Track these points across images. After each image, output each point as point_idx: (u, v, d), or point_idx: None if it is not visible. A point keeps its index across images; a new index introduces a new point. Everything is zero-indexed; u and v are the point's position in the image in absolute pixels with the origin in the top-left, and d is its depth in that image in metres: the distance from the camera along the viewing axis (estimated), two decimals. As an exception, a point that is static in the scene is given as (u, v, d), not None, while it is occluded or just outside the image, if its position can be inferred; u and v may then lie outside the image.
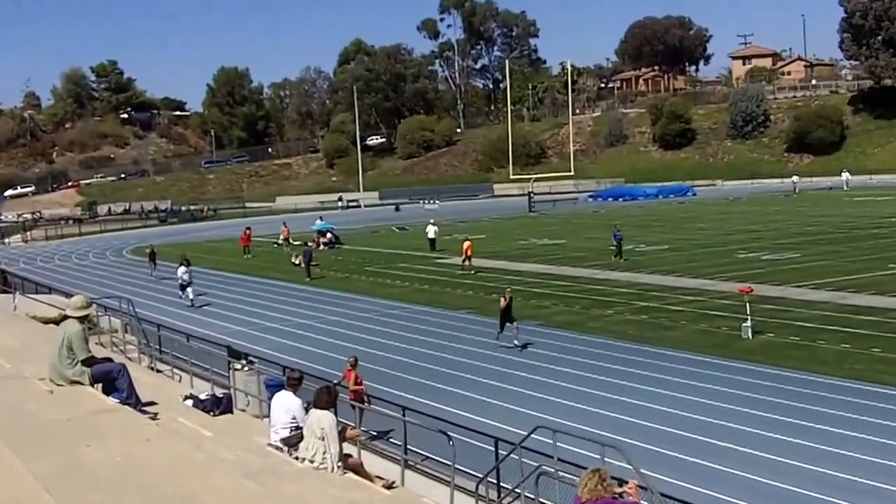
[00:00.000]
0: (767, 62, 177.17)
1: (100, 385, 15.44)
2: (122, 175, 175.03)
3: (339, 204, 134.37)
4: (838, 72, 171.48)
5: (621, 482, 11.38)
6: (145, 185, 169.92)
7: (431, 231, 65.97)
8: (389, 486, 14.96)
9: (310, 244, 64.78)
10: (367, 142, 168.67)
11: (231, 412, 19.01)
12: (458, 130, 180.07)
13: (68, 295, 29.04)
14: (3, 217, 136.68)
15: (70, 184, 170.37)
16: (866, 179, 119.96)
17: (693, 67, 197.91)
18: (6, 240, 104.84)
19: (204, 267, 60.03)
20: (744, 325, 32.45)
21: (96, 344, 23.73)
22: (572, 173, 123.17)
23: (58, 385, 15.42)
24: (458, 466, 16.90)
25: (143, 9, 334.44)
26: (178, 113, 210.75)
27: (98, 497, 10.54)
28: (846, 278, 43.27)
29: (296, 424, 14.45)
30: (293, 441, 14.17)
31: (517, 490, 16.08)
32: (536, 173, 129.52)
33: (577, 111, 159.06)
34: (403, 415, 20.32)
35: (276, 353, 32.91)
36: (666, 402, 25.19)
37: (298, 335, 38.05)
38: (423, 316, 41.05)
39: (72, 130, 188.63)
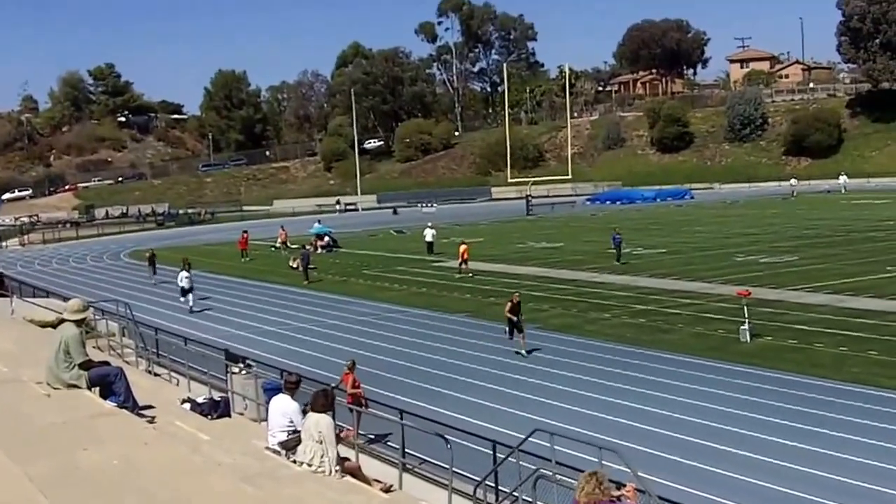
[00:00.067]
0: (765, 65, 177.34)
1: (97, 388, 15.42)
2: (120, 178, 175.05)
3: (337, 207, 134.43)
4: (836, 75, 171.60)
5: (619, 485, 11.36)
6: (143, 188, 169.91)
7: (429, 234, 66.01)
8: (387, 490, 14.94)
9: (307, 247, 64.77)
10: (365, 145, 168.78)
11: (229, 416, 18.96)
12: (456, 134, 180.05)
13: (65, 298, 29.02)
14: (0, 221, 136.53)
15: (67, 187, 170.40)
16: (864, 182, 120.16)
17: (691, 71, 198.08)
18: (3, 243, 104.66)
19: (202, 270, 59.97)
20: (741, 328, 32.44)
21: (93, 347, 23.71)
22: (570, 176, 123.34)
23: (55, 388, 15.40)
24: (456, 470, 16.88)
25: (141, 12, 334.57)
26: (175, 116, 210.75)
27: (95, 501, 10.53)
28: (844, 281, 43.28)
29: (293, 428, 14.43)
30: (291, 444, 14.15)
31: (515, 493, 16.06)
32: (534, 176, 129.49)
33: (575, 114, 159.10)
34: (401, 418, 20.30)
35: (273, 356, 32.86)
36: (663, 405, 25.18)
37: (296, 338, 38.02)
38: (420, 319, 41.04)
39: (69, 134, 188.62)
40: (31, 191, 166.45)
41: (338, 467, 13.44)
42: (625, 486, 11.35)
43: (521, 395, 27.03)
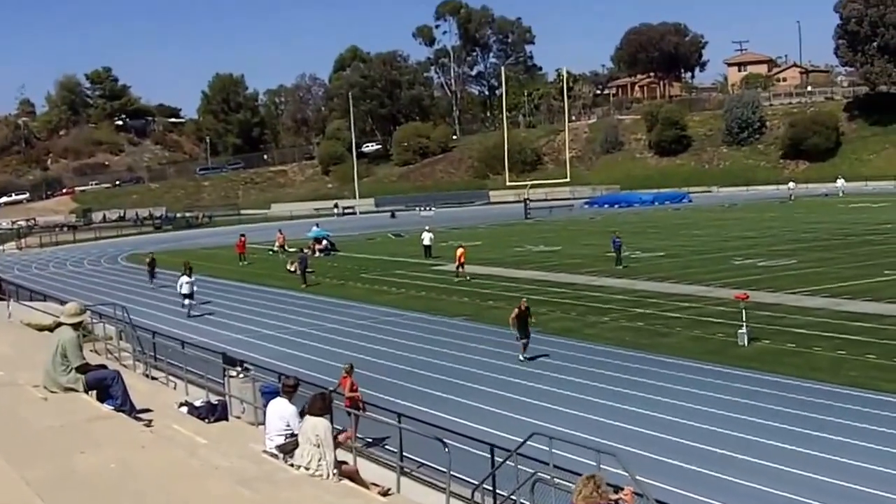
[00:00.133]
0: (763, 69, 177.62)
1: (94, 392, 15.42)
2: (117, 182, 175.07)
3: (335, 211, 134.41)
4: (834, 78, 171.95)
5: (617, 489, 11.34)
6: (140, 191, 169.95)
7: (427, 238, 66.00)
8: (385, 493, 14.93)
9: (305, 251, 64.76)
10: (363, 148, 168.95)
11: (226, 419, 18.94)
12: (454, 137, 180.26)
13: (63, 302, 29.00)
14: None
15: (65, 191, 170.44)
16: (861, 186, 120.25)
17: (689, 74, 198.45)
18: (1, 247, 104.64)
19: (200, 274, 59.72)
20: (739, 331, 32.40)
21: (91, 351, 23.68)
22: (568, 180, 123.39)
23: (52, 392, 15.38)
24: (454, 473, 16.84)
25: (138, 15, 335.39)
26: (172, 120, 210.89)
27: (92, 504, 10.50)
28: (841, 285, 43.27)
29: (291, 431, 14.41)
30: (288, 448, 14.13)
31: (513, 497, 16.04)
32: (532, 180, 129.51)
33: (573, 118, 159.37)
34: (399, 421, 20.26)
35: (271, 360, 32.82)
36: (661, 408, 25.14)
37: (294, 342, 37.97)
38: (418, 323, 40.99)
39: (66, 137, 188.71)
40: (28, 194, 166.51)
41: (335, 471, 13.42)
42: (622, 489, 11.33)
43: (519, 399, 26.99)
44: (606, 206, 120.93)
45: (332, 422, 14.31)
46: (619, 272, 52.12)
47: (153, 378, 25.69)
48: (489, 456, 17.76)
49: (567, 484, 14.02)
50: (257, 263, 69.59)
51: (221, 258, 73.99)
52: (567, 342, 34.49)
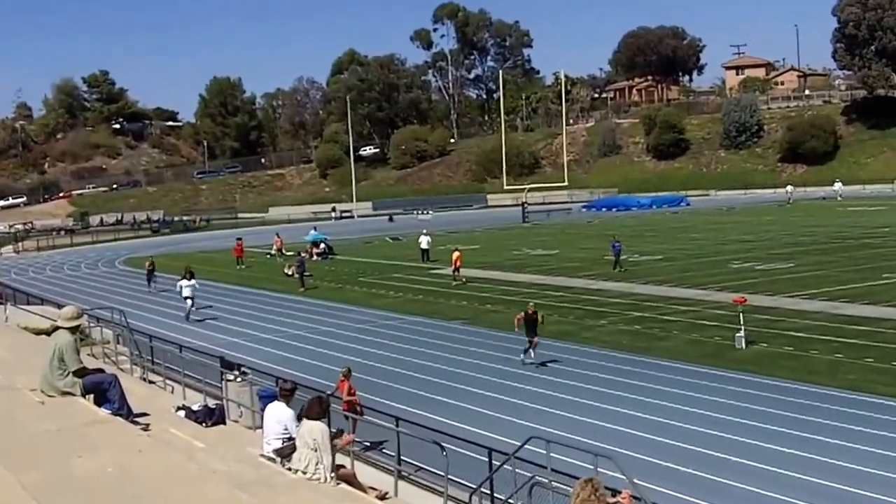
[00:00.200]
0: (761, 72, 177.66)
1: (91, 396, 15.40)
2: (114, 185, 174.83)
3: (333, 214, 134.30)
4: (831, 82, 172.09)
5: (615, 492, 11.34)
6: (137, 195, 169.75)
7: (424, 242, 65.98)
8: (382, 497, 14.92)
9: (303, 255, 64.73)
10: (361, 152, 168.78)
11: (224, 423, 18.93)
12: (452, 141, 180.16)
13: (60, 306, 28.96)
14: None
15: (62, 194, 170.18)
16: (859, 189, 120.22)
17: (686, 77, 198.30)
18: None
19: (197, 278, 59.72)
20: (737, 335, 32.43)
21: (88, 355, 23.68)
22: (566, 183, 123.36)
23: (49, 396, 15.37)
24: (452, 477, 16.85)
25: (135, 19, 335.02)
26: (170, 123, 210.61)
27: (89, 509, 10.49)
28: (839, 288, 43.30)
29: (288, 435, 14.40)
30: (286, 452, 14.13)
31: (511, 500, 16.00)
32: (530, 183, 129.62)
33: (571, 121, 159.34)
34: (397, 425, 20.26)
35: (269, 363, 32.81)
36: (659, 412, 25.14)
37: (292, 346, 37.96)
38: (416, 326, 40.99)
39: (63, 141, 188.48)
40: (25, 198, 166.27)
41: (333, 475, 13.41)
42: (620, 493, 11.32)
43: (517, 403, 26.99)
44: (604, 209, 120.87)
45: (329, 425, 14.30)
46: (616, 275, 52.11)
47: (150, 382, 25.69)
48: (487, 459, 17.76)
49: (565, 487, 14.01)
50: (255, 267, 69.55)
51: (219, 262, 73.92)
52: (564, 346, 34.49)
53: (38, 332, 25.99)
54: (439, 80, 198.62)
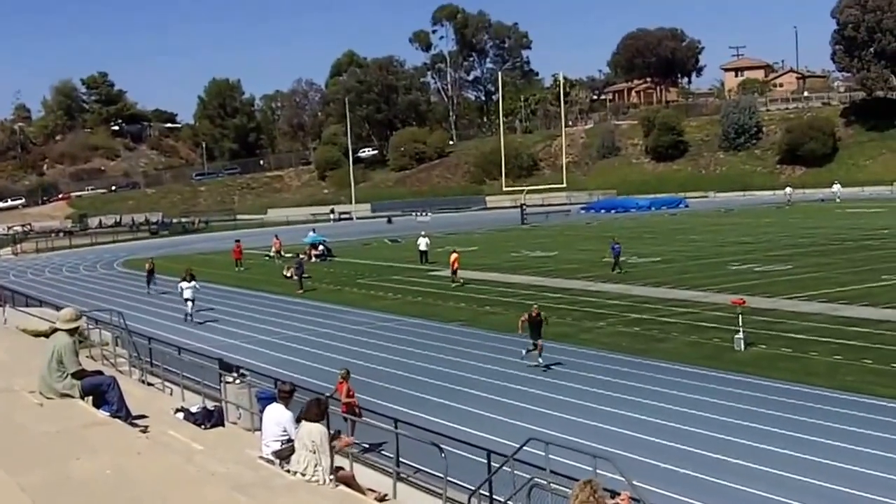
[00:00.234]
0: (760, 74, 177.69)
1: (90, 398, 15.37)
2: (113, 187, 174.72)
3: (331, 216, 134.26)
4: (830, 84, 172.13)
5: (613, 494, 11.34)
6: (136, 197, 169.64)
7: (423, 243, 65.94)
8: (381, 499, 14.91)
9: (302, 256, 64.73)
10: (359, 154, 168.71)
11: (222, 425, 18.92)
12: (451, 142, 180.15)
13: (58, 308, 28.95)
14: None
15: (60, 196, 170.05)
16: (858, 191, 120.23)
17: (685, 79, 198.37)
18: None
19: (196, 280, 59.72)
20: (736, 336, 32.44)
21: (87, 357, 23.67)
22: (565, 185, 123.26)
23: (48, 398, 15.35)
24: (451, 479, 16.84)
25: (134, 20, 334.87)
26: (169, 125, 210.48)
27: (87, 511, 10.48)
28: (838, 290, 43.31)
29: (287, 437, 14.38)
30: (285, 454, 14.11)
31: (509, 502, 16.02)
32: (529, 185, 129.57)
33: (570, 123, 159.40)
34: (395, 427, 20.27)
35: (268, 365, 32.81)
36: (658, 413, 25.15)
37: (290, 348, 37.96)
38: (415, 328, 40.99)
39: (62, 142, 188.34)
40: (23, 200, 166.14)
41: (332, 476, 13.40)
42: (619, 494, 11.32)
43: (516, 404, 26.99)
44: (603, 211, 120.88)
45: (328, 427, 14.29)
46: (615, 277, 52.11)
47: (149, 384, 25.71)
48: (486, 461, 17.77)
49: (564, 489, 14.02)
50: (254, 269, 69.52)
51: (218, 264, 73.90)
52: (563, 347, 34.45)
53: (37, 334, 25.96)
54: (438, 81, 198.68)
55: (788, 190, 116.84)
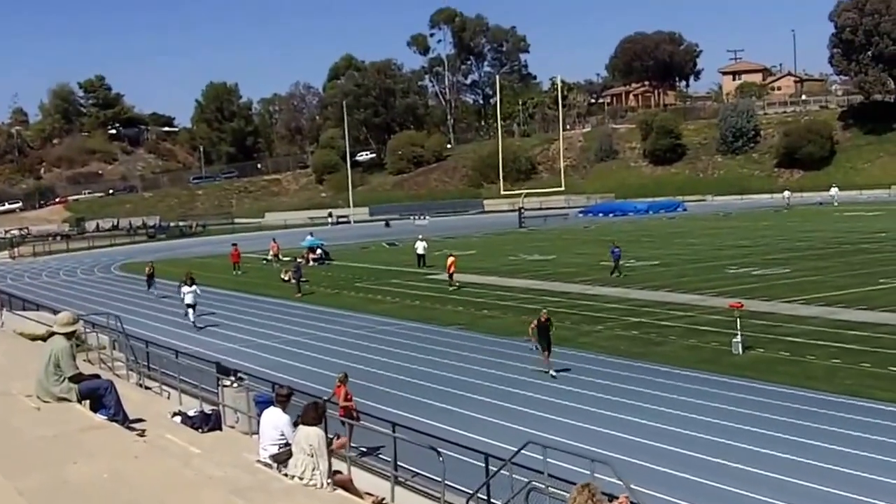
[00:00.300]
0: (757, 77, 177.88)
1: (87, 402, 15.36)
2: (111, 191, 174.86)
3: (329, 220, 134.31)
4: (828, 87, 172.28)
5: (611, 497, 11.30)
6: (133, 200, 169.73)
7: (420, 247, 65.91)
8: (379, 503, 14.89)
9: (299, 260, 64.69)
10: (357, 157, 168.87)
11: (220, 429, 18.88)
12: (449, 146, 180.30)
13: (55, 311, 28.90)
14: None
15: (58, 200, 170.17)
16: (856, 194, 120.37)
17: (683, 83, 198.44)
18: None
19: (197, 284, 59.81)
20: (734, 340, 32.41)
21: (84, 361, 23.61)
22: (563, 189, 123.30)
23: (45, 402, 15.33)
24: (448, 482, 16.80)
25: (131, 24, 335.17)
26: (166, 128, 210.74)
27: (84, 515, 10.45)
28: (836, 293, 43.29)
29: (285, 441, 14.36)
30: (282, 457, 14.09)
31: (507, 506, 15.99)
32: (527, 189, 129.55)
33: (568, 127, 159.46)
34: (393, 431, 20.22)
35: (265, 369, 32.78)
36: (656, 417, 25.12)
37: (288, 351, 37.91)
38: (413, 332, 40.94)
39: (59, 146, 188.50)
40: (21, 203, 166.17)
41: (329, 480, 13.38)
42: (617, 498, 11.29)
43: (514, 408, 26.96)
44: (601, 214, 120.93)
45: (325, 431, 14.26)
46: (613, 281, 52.08)
47: (146, 388, 25.63)
48: (483, 465, 17.73)
49: (561, 493, 13.99)
50: (251, 273, 69.49)
51: (215, 267, 73.87)
52: (561, 351, 34.34)
53: (34, 338, 25.91)
54: (436, 85, 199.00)
55: (787, 193, 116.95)
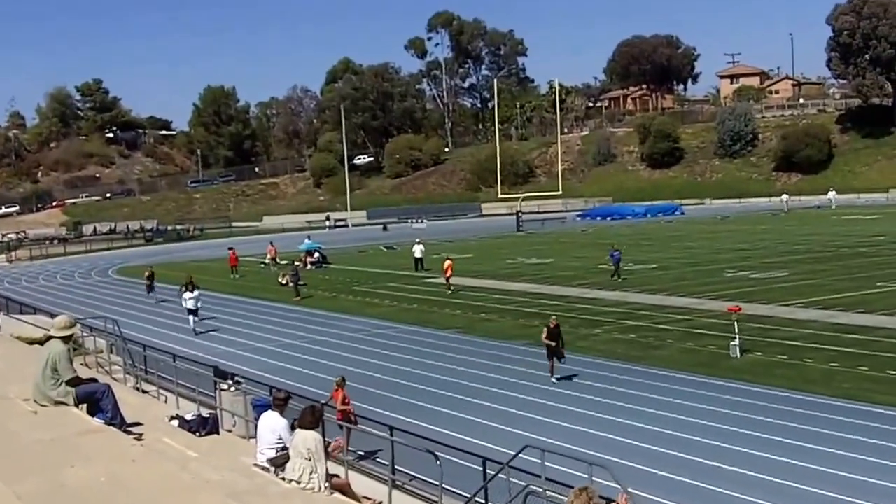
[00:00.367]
0: (755, 81, 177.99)
1: (84, 406, 15.33)
2: (108, 195, 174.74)
3: (327, 223, 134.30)
4: (826, 90, 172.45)
5: (609, 501, 11.30)
6: (131, 204, 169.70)
7: (418, 251, 65.88)
8: (377, 507, 14.87)
9: (297, 264, 64.67)
10: (355, 161, 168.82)
11: (217, 433, 18.85)
12: (446, 149, 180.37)
13: (53, 315, 28.90)
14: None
15: (55, 203, 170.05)
16: (854, 198, 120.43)
17: (681, 86, 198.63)
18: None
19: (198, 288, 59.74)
20: (732, 343, 32.41)
21: (81, 364, 23.60)
22: (560, 192, 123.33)
23: (42, 406, 15.30)
24: (446, 486, 16.77)
25: (129, 28, 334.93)
26: (164, 132, 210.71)
27: (81, 519, 10.43)
28: (834, 297, 43.31)
29: (282, 445, 14.35)
30: (280, 461, 14.08)
31: (505, 510, 15.97)
32: (525, 192, 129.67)
33: (566, 130, 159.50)
34: (391, 434, 20.20)
35: (263, 373, 32.79)
36: (654, 421, 25.11)
37: (286, 355, 37.88)
38: (411, 335, 40.92)
39: (57, 150, 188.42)
40: (18, 207, 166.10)
41: (327, 484, 13.37)
42: (615, 502, 11.28)
43: (512, 412, 26.95)
44: (599, 218, 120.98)
45: (323, 435, 14.25)
46: (611, 284, 52.07)
47: (144, 391, 25.57)
48: (481, 469, 17.71)
49: (559, 497, 13.99)
50: (249, 276, 69.47)
51: (213, 271, 73.80)
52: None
53: (31, 342, 25.92)
54: (434, 88, 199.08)
55: (785, 197, 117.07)
